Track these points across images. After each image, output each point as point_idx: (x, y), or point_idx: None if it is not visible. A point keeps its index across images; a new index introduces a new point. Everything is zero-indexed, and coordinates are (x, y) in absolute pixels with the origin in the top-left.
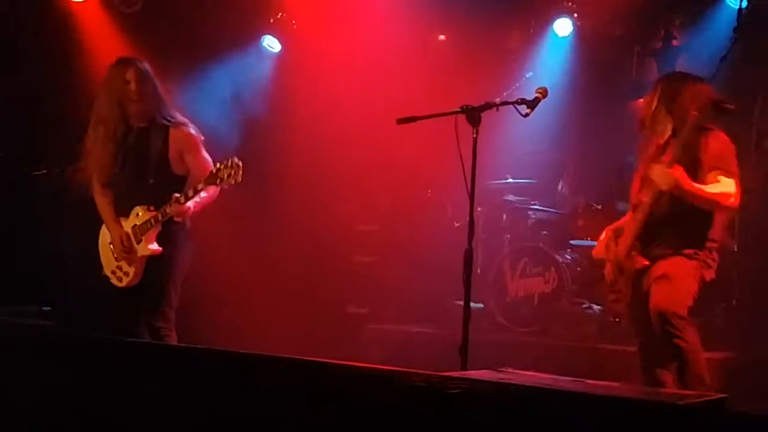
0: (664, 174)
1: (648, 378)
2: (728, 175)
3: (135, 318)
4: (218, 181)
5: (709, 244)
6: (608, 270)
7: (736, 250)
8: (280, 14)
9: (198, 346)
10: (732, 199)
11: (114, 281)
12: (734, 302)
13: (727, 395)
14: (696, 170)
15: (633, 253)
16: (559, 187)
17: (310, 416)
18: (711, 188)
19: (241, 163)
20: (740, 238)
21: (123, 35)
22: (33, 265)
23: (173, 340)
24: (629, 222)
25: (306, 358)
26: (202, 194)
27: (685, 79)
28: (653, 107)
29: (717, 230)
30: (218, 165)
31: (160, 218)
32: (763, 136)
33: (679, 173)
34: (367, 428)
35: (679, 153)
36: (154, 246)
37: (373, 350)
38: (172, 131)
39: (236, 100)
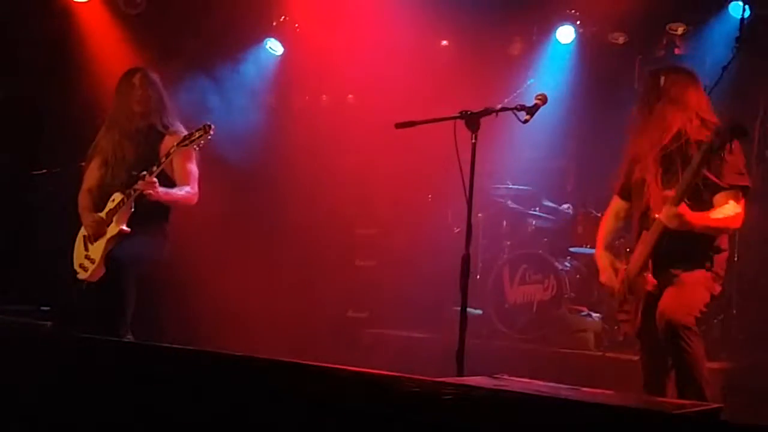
0: (672, 216)
1: (652, 388)
2: (736, 194)
3: (96, 324)
4: (189, 142)
5: (721, 256)
6: (618, 290)
7: (736, 259)
8: (282, 17)
9: (198, 349)
10: (740, 219)
11: (80, 274)
12: (734, 312)
13: (724, 405)
14: (705, 188)
15: (644, 273)
16: (566, 207)
17: (306, 420)
18: (720, 214)
19: (212, 126)
20: (740, 248)
21: (126, 37)
22: (32, 265)
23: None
24: (641, 240)
25: (304, 362)
26: (177, 192)
27: (695, 82)
28: (659, 102)
29: (725, 239)
30: (193, 131)
31: (131, 194)
32: (765, 145)
33: (686, 212)
34: None
35: (686, 184)
36: (124, 227)
37: (372, 355)
38: (167, 137)
39: (239, 102)
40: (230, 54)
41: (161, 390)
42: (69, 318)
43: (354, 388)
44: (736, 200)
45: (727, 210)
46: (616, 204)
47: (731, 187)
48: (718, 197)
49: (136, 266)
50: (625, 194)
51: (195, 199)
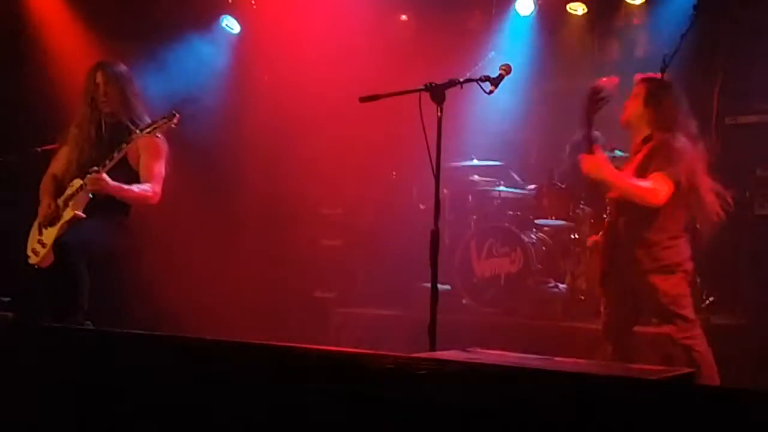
0: (586, 161)
1: (616, 342)
2: (667, 175)
3: (52, 311)
4: (151, 129)
5: (686, 266)
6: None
7: (698, 226)
8: None
9: (163, 334)
10: (660, 198)
11: (31, 258)
12: (698, 280)
13: (695, 369)
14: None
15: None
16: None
17: (279, 400)
18: (638, 182)
19: (177, 114)
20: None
21: (77, 17)
22: None
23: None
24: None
25: (276, 343)
26: (133, 188)
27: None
28: (638, 112)
29: (687, 250)
30: (157, 119)
31: (85, 184)
32: (723, 113)
33: (601, 161)
34: (338, 411)
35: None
36: (78, 212)
37: (341, 334)
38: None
39: (195, 82)
40: (186, 33)
41: (127, 376)
42: (28, 306)
43: (329, 367)
44: (662, 179)
45: (655, 182)
46: None
47: (659, 169)
48: (649, 174)
49: (84, 252)
50: None
51: (155, 199)
